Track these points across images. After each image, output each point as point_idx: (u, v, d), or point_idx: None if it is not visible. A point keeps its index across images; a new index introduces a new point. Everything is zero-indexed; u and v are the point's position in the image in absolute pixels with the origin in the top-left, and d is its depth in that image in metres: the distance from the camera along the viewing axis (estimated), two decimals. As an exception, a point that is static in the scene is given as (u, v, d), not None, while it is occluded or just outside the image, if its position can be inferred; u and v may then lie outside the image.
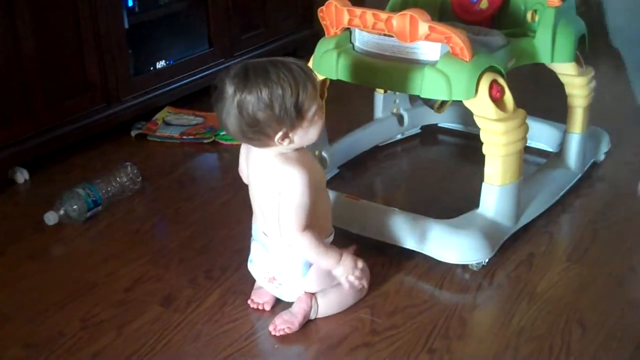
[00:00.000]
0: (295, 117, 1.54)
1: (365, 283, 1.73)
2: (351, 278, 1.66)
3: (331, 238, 1.72)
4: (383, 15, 1.82)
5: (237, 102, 1.52)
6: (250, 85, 1.52)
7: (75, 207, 2.10)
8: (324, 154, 2.24)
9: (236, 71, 1.55)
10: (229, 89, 1.54)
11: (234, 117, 1.54)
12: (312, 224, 1.61)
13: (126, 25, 2.59)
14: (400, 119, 2.56)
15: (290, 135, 1.57)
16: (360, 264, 1.68)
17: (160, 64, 2.78)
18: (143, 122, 2.70)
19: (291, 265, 1.68)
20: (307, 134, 1.59)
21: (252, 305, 1.77)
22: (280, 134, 1.55)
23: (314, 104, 1.56)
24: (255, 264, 1.76)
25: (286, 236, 1.61)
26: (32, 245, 2.04)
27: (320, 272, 1.68)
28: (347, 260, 1.66)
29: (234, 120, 1.54)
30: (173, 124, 2.71)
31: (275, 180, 1.60)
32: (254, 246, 1.76)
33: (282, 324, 1.68)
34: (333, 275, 1.68)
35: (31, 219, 2.14)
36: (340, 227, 1.85)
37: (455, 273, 1.88)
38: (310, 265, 1.67)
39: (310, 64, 2.00)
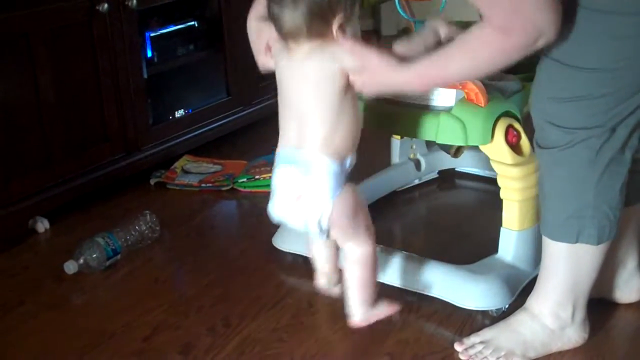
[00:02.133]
0: (350, 3, 1.59)
1: None
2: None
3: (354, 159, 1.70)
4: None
5: None
6: None
7: (94, 256, 2.11)
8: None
9: None
10: None
11: (302, 2, 1.56)
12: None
13: (145, 75, 2.63)
14: (417, 164, 2.56)
15: (344, 27, 1.59)
16: None
17: (179, 113, 2.80)
18: (162, 171, 2.71)
19: (323, 179, 1.63)
20: (343, 23, 1.61)
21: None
22: (338, 19, 1.57)
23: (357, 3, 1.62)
24: (280, 191, 1.69)
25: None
26: (51, 294, 2.05)
27: (345, 203, 1.65)
28: None
29: (303, 5, 1.56)
30: (192, 172, 2.73)
31: (322, 64, 1.60)
32: (278, 173, 1.69)
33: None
34: (356, 210, 1.68)
35: (51, 268, 2.14)
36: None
37: (476, 319, 1.86)
38: (338, 191, 1.64)
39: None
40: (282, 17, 1.59)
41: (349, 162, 1.68)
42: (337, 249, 1.81)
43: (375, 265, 1.75)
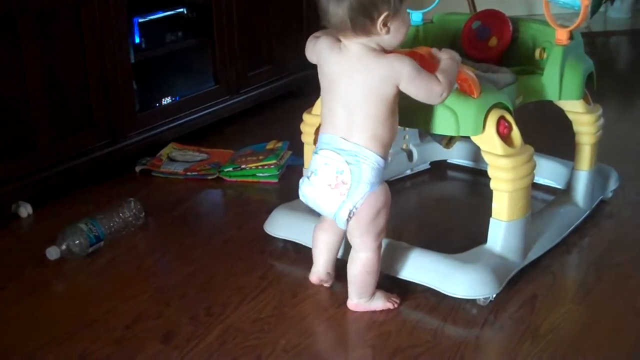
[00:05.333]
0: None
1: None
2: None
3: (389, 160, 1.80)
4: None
5: None
6: None
7: (77, 242, 2.09)
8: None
9: None
10: None
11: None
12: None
13: (132, 62, 2.59)
14: (409, 154, 2.56)
15: (389, 23, 1.67)
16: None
17: (166, 100, 2.78)
18: (148, 158, 2.69)
19: (366, 171, 1.72)
20: (398, 32, 1.70)
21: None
22: (383, 16, 1.65)
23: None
24: (319, 175, 1.75)
25: (435, 100, 1.74)
26: (33, 280, 2.02)
27: (376, 199, 1.74)
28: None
29: (349, 3, 1.64)
30: (178, 160, 2.70)
31: (378, 73, 1.69)
32: (319, 157, 1.76)
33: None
34: (380, 211, 1.76)
35: (33, 253, 2.12)
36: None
37: (463, 308, 1.85)
38: (376, 187, 1.73)
39: (317, 103, 2.00)
40: (329, 10, 1.67)
41: (389, 160, 1.78)
42: (340, 241, 1.89)
43: (376, 269, 1.83)
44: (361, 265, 1.81)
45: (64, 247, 2.08)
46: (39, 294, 1.96)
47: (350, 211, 1.73)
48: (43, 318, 1.85)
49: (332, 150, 1.74)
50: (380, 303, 1.85)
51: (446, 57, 1.77)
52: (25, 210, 2.35)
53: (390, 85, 1.70)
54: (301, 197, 1.83)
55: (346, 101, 1.73)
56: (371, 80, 1.69)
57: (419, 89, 1.71)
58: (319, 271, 1.91)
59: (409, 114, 1.84)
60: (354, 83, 1.71)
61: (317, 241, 1.91)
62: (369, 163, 1.72)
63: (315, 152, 1.78)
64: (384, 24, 1.67)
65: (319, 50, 1.77)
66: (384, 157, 1.74)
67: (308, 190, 1.79)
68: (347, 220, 1.75)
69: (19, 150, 2.29)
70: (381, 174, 1.75)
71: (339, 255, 1.94)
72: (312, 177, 1.77)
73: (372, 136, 1.72)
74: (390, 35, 1.69)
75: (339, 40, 1.73)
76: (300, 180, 1.82)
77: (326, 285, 1.92)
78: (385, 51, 1.72)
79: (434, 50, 1.79)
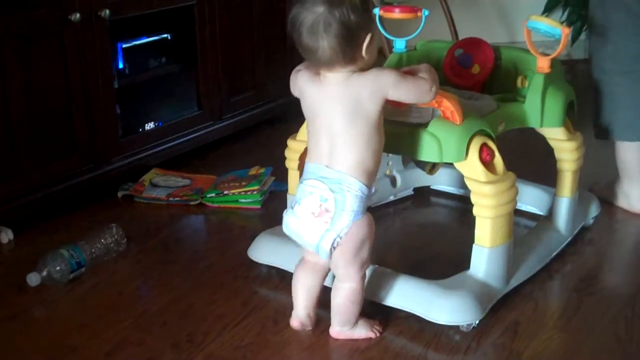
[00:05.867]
0: (372, 18, 1.71)
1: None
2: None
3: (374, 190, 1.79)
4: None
5: (336, 14, 1.63)
6: None
7: (58, 268, 2.07)
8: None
9: None
10: (319, 9, 1.64)
11: (334, 30, 1.64)
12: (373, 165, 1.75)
13: (116, 87, 2.59)
14: (393, 180, 2.57)
15: (372, 42, 1.69)
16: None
17: (149, 126, 2.77)
18: (130, 184, 2.68)
19: (350, 199, 1.71)
20: (374, 50, 1.72)
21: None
22: (367, 39, 1.67)
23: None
24: (303, 204, 1.74)
25: (426, 96, 1.76)
26: (13, 306, 2.00)
27: (360, 229, 1.73)
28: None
29: (334, 34, 1.64)
30: (160, 185, 2.69)
31: (365, 91, 1.70)
32: (303, 187, 1.75)
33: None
34: (365, 240, 1.75)
35: (14, 279, 2.10)
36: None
37: (446, 334, 1.85)
38: (359, 216, 1.72)
39: (302, 129, 2.01)
40: (316, 45, 1.66)
41: (373, 189, 1.77)
42: (321, 282, 1.85)
43: (360, 299, 1.81)
44: (345, 296, 1.80)
45: (44, 273, 2.07)
46: (19, 320, 1.94)
47: (334, 240, 1.72)
48: (23, 344, 1.83)
49: (316, 179, 1.73)
50: (363, 332, 1.84)
51: (422, 65, 1.80)
52: (6, 235, 2.33)
53: (376, 101, 1.70)
54: (284, 229, 1.81)
55: (329, 129, 1.72)
56: (356, 102, 1.69)
57: (408, 90, 1.72)
58: (299, 315, 1.86)
59: (392, 140, 1.85)
60: (336, 109, 1.71)
61: (297, 283, 1.86)
62: (353, 191, 1.71)
63: (301, 183, 1.77)
64: (368, 45, 1.69)
65: (300, 85, 1.77)
66: (369, 185, 1.74)
67: (291, 221, 1.78)
68: (331, 251, 1.74)
69: (0, 175, 2.27)
70: (365, 203, 1.74)
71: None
72: (296, 207, 1.76)
73: (356, 162, 1.71)
74: (368, 55, 1.70)
75: (319, 73, 1.74)
76: (285, 212, 1.81)
77: (308, 329, 1.87)
78: (362, 70, 1.73)
79: (409, 67, 1.81)
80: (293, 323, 1.86)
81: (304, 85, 1.76)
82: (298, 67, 1.80)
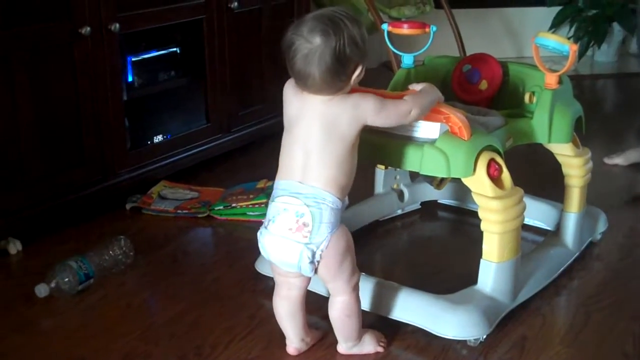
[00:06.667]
0: (366, 50, 1.69)
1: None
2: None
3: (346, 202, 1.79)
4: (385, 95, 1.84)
5: (332, 48, 1.63)
6: (335, 28, 1.64)
7: (67, 279, 2.08)
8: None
9: (309, 26, 1.66)
10: (316, 40, 1.64)
11: (327, 64, 1.63)
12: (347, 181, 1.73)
13: (125, 99, 2.60)
14: (400, 194, 2.57)
15: (361, 72, 1.69)
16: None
17: (158, 138, 2.78)
18: (138, 196, 2.69)
19: (326, 213, 1.69)
20: (362, 72, 1.70)
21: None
22: (357, 71, 1.68)
23: None
24: (278, 221, 1.71)
25: (404, 120, 1.77)
26: (21, 317, 2.00)
27: (339, 240, 1.72)
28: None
29: (327, 68, 1.64)
30: (168, 198, 2.70)
31: (344, 116, 1.69)
32: (276, 205, 1.72)
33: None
34: (346, 251, 1.74)
35: (22, 290, 2.10)
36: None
37: (454, 349, 1.85)
38: (335, 228, 1.71)
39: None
40: (308, 76, 1.67)
41: (346, 201, 1.76)
42: (302, 304, 1.82)
43: (357, 312, 1.80)
44: (339, 309, 1.79)
45: (53, 284, 2.07)
46: (27, 331, 1.95)
47: (314, 253, 1.69)
48: (31, 356, 1.84)
49: (289, 195, 1.70)
50: (371, 347, 1.84)
51: (422, 85, 1.81)
52: (15, 246, 2.34)
53: (355, 126, 1.70)
54: (261, 251, 1.78)
55: (305, 143, 1.71)
56: (334, 123, 1.69)
57: (388, 117, 1.73)
58: (293, 342, 1.84)
59: (400, 155, 1.86)
60: (314, 125, 1.70)
61: (278, 314, 1.83)
62: (327, 204, 1.69)
63: (272, 201, 1.74)
64: (356, 78, 1.69)
65: (286, 92, 1.77)
66: (341, 199, 1.72)
67: (267, 240, 1.74)
68: (312, 266, 1.71)
69: (9, 186, 2.28)
70: (339, 215, 1.72)
71: (325, 293, 1.91)
72: (270, 226, 1.73)
73: (330, 180, 1.69)
74: (355, 77, 1.70)
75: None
76: (259, 232, 1.78)
77: (305, 349, 1.86)
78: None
79: (412, 85, 1.81)
80: (289, 350, 1.85)
81: (289, 93, 1.77)
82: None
